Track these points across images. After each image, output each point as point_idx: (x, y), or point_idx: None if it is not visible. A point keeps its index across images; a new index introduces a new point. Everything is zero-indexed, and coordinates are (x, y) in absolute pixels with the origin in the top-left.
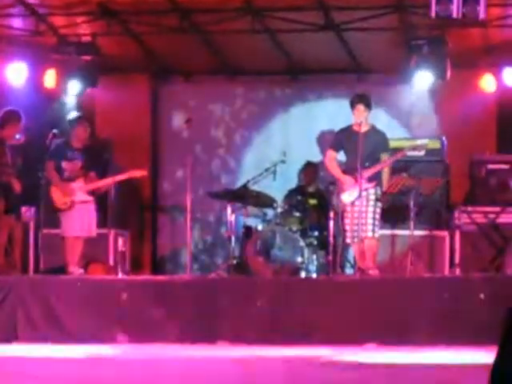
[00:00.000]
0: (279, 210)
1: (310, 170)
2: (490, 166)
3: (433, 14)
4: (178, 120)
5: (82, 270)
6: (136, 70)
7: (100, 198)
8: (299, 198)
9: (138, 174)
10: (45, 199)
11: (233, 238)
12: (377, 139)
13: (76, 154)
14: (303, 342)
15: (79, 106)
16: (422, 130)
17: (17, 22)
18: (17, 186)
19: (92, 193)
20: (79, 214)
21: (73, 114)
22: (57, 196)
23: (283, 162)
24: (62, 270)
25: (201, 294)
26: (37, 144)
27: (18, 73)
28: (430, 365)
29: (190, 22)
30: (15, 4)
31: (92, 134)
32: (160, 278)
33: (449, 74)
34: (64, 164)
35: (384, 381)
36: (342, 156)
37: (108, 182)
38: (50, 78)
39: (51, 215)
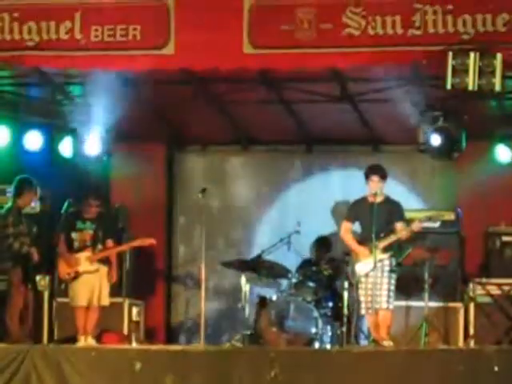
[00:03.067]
0: (293, 280)
1: (321, 244)
2: (505, 238)
3: (449, 86)
4: (193, 190)
5: (91, 340)
6: (152, 139)
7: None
8: (313, 268)
9: (147, 242)
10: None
11: (247, 308)
12: (391, 209)
13: (87, 224)
14: None
15: (95, 175)
16: (437, 201)
17: (33, 91)
18: (35, 256)
19: (105, 262)
20: (85, 284)
21: (86, 186)
22: (61, 267)
23: (298, 232)
24: (75, 339)
25: (215, 364)
26: (52, 213)
27: (34, 141)
28: None
29: (206, 91)
30: (31, 73)
31: (107, 201)
32: (174, 347)
33: (464, 145)
34: (73, 235)
35: None
36: (357, 227)
37: (115, 251)
38: (66, 146)
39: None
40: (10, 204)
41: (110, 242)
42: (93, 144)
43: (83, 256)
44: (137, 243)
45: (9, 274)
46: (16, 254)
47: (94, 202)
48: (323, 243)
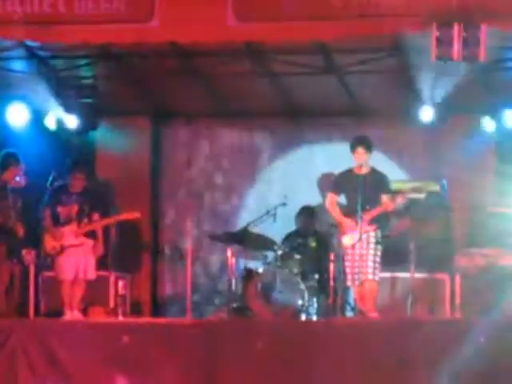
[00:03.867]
0: (279, 252)
1: (305, 215)
2: (491, 209)
3: (433, 57)
4: (178, 162)
5: (78, 314)
6: (137, 112)
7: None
8: (299, 240)
9: (131, 216)
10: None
11: (233, 281)
12: (377, 181)
13: (72, 198)
14: None
15: (80, 149)
16: (423, 172)
17: (18, 65)
18: (20, 230)
19: (92, 235)
20: (71, 257)
21: (71, 159)
22: (47, 241)
23: (284, 204)
24: (61, 313)
25: (201, 336)
26: (37, 186)
27: (19, 115)
28: None
29: (191, 64)
30: (16, 47)
31: (93, 175)
32: (160, 320)
33: (449, 116)
34: (59, 208)
35: None
36: (343, 199)
37: (100, 224)
38: (50, 121)
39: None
40: None
41: (95, 216)
42: (78, 118)
43: (69, 230)
44: (122, 217)
45: None
46: (0, 228)
47: (80, 175)
48: (308, 212)
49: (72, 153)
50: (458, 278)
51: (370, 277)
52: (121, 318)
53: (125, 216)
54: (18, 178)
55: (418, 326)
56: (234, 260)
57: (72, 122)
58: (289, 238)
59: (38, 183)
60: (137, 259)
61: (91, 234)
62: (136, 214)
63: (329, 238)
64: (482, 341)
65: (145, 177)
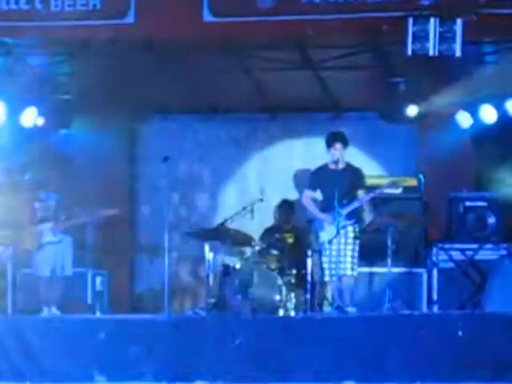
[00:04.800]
0: (257, 248)
1: (286, 207)
2: (468, 203)
3: (409, 52)
4: (155, 158)
5: (55, 310)
6: (113, 109)
7: (78, 238)
8: (277, 236)
9: (110, 212)
10: None
11: (211, 277)
12: (353, 176)
13: (50, 194)
14: (282, 381)
15: (57, 146)
16: (399, 167)
17: None
18: None
19: (69, 232)
20: (48, 254)
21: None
22: (26, 237)
23: (261, 200)
24: (39, 309)
25: (179, 332)
26: (14, 184)
27: None
28: None
29: (167, 60)
30: None
31: (70, 172)
32: (138, 316)
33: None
34: (37, 205)
35: None
36: (318, 194)
37: (79, 221)
38: (27, 117)
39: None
40: None
41: (76, 209)
42: (54, 115)
43: (46, 227)
44: (100, 214)
45: None
46: None
47: (57, 172)
48: (288, 206)
49: (49, 150)
50: (435, 273)
51: (348, 272)
52: (98, 314)
53: (103, 213)
54: None
55: (395, 321)
56: (211, 256)
57: (48, 119)
58: (266, 233)
59: (17, 181)
60: (115, 255)
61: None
62: (115, 211)
63: (306, 234)
64: (459, 335)
65: (122, 173)
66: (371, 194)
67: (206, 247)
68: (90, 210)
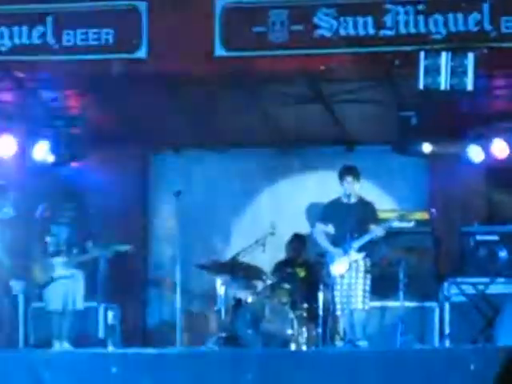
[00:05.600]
0: (268, 282)
1: (298, 242)
2: (479, 237)
3: (421, 87)
4: (168, 193)
5: (67, 344)
6: (126, 142)
7: (90, 272)
8: (288, 270)
9: (123, 248)
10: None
11: (222, 311)
12: (365, 210)
13: (61, 228)
14: None
15: (69, 179)
16: (411, 201)
17: (5, 96)
18: (5, 261)
19: (80, 266)
20: (59, 288)
21: (60, 190)
22: (37, 271)
23: (272, 233)
24: (50, 343)
25: (191, 367)
26: (26, 217)
27: (6, 146)
28: None
29: (179, 94)
30: (3, 78)
31: (82, 205)
32: (150, 350)
33: (437, 145)
34: (48, 239)
35: None
36: (331, 228)
37: (91, 256)
38: (39, 151)
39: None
40: None
41: (88, 244)
42: (66, 148)
43: (58, 261)
44: (113, 250)
45: None
46: None
47: (69, 205)
48: (299, 240)
49: (61, 183)
50: (447, 307)
51: (360, 306)
52: (110, 349)
53: (116, 249)
54: (6, 210)
55: (407, 356)
56: (223, 290)
57: (60, 153)
58: (278, 267)
59: (28, 214)
60: (126, 289)
61: (80, 265)
62: (127, 247)
63: (318, 268)
64: (471, 369)
65: (135, 206)
66: (382, 229)
67: (218, 281)
68: (102, 244)
